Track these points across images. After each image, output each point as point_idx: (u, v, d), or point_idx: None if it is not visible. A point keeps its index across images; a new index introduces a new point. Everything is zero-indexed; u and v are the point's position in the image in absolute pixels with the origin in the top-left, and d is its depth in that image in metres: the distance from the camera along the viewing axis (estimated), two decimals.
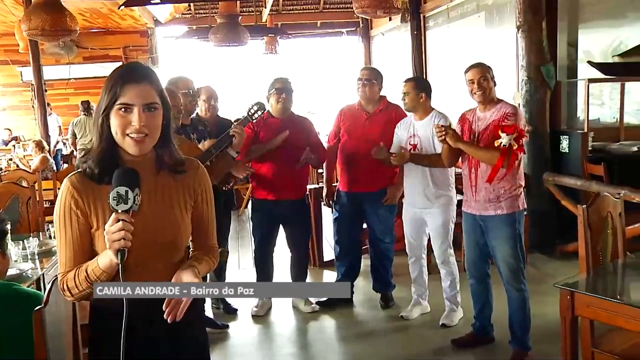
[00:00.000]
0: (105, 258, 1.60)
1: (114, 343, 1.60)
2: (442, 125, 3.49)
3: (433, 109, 4.08)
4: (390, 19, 9.95)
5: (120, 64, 11.09)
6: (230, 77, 12.85)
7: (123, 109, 1.63)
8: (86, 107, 9.52)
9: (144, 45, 11.16)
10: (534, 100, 5.69)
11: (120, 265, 1.56)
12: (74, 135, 9.33)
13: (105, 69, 10.54)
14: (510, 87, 6.19)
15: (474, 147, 3.44)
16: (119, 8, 6.67)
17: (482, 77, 3.44)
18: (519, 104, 5.84)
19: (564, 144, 5.72)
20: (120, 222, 1.54)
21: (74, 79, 10.89)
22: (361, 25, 11.98)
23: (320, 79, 14.65)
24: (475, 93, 3.46)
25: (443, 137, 3.44)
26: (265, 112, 4.28)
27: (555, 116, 5.85)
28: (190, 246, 1.93)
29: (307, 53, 14.13)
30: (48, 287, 1.88)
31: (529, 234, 5.44)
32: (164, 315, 1.65)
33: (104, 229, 1.58)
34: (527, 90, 5.71)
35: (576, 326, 2.55)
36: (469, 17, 7.31)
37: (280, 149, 4.20)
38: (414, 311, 4.33)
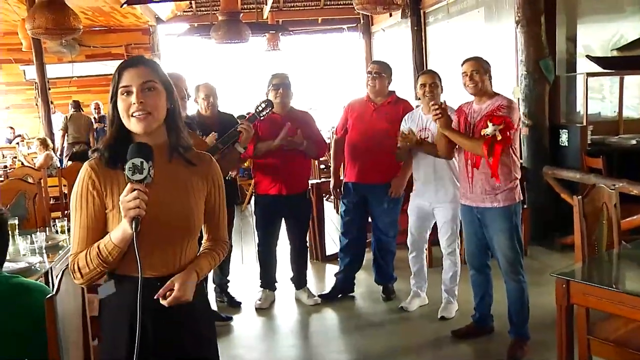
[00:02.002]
0: (118, 232, 1.68)
1: (122, 336, 1.71)
2: (440, 104, 3.54)
3: (443, 102, 4.13)
4: (390, 15, 9.99)
5: (121, 62, 11.31)
6: (232, 74, 12.90)
7: (125, 93, 1.74)
8: (76, 106, 9.88)
9: (145, 43, 11.21)
10: (533, 94, 5.75)
11: (134, 234, 1.62)
12: (66, 129, 9.56)
13: (108, 66, 10.60)
14: (510, 82, 6.24)
15: (459, 135, 3.50)
16: (121, 6, 6.73)
17: (475, 70, 3.49)
18: (518, 99, 5.89)
19: (563, 138, 5.78)
20: (136, 191, 1.62)
21: (77, 77, 10.95)
22: (362, 21, 12.03)
23: (321, 75, 14.69)
24: (467, 85, 3.52)
25: (438, 116, 3.50)
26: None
27: (555, 110, 5.91)
28: (203, 237, 2.02)
29: (309, 49, 14.17)
30: (58, 277, 1.94)
31: (529, 226, 5.51)
32: (155, 295, 1.74)
33: (119, 208, 1.65)
34: (526, 85, 5.76)
35: (572, 314, 2.61)
36: (469, 13, 7.35)
37: (282, 144, 4.25)
38: (414, 303, 4.39)
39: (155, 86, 1.77)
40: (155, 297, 1.74)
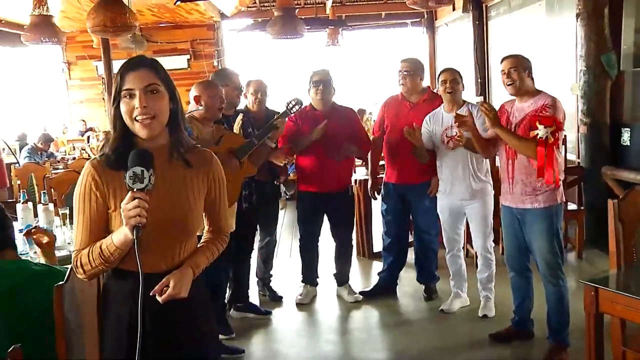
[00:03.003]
0: (120, 235, 1.71)
1: (122, 329, 1.78)
2: (486, 103, 3.49)
3: (465, 101, 4.07)
4: (453, 9, 9.79)
5: (187, 57, 11.37)
6: (294, 69, 12.98)
7: (127, 96, 1.76)
8: None
9: (210, 38, 11.42)
10: (593, 91, 5.49)
11: (135, 240, 1.66)
12: None
13: (172, 61, 10.90)
14: (570, 78, 5.98)
15: (511, 135, 3.39)
16: (174, 4, 6.89)
17: (513, 67, 3.38)
18: (576, 95, 5.66)
19: (625, 137, 5.49)
20: (136, 199, 1.65)
21: None
22: (425, 16, 11.82)
23: (385, 70, 14.56)
24: (506, 84, 3.41)
25: (486, 115, 3.41)
26: (308, 105, 4.38)
27: (617, 107, 5.62)
28: (204, 227, 2.06)
29: (372, 45, 14.07)
30: (69, 267, 2.02)
31: (584, 229, 5.30)
32: (151, 292, 1.77)
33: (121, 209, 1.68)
34: (586, 81, 5.51)
35: (601, 323, 2.49)
36: (530, 6, 7.10)
37: (323, 140, 4.25)
38: (454, 304, 4.31)
39: (159, 89, 1.78)
40: (150, 294, 1.76)
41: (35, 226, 2.22)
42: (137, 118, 1.76)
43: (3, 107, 11.21)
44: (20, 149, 9.05)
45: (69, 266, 1.95)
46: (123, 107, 1.77)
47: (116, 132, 1.81)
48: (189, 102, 3.52)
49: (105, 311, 1.91)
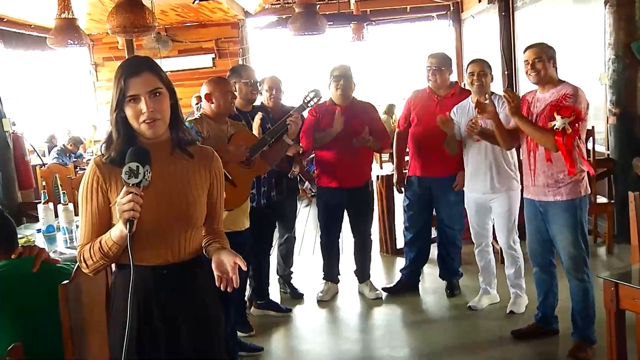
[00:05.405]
0: (117, 230, 1.75)
1: (124, 320, 1.74)
2: (510, 90, 3.38)
3: (493, 92, 3.96)
4: (479, 1, 9.62)
5: (212, 55, 11.40)
6: (320, 65, 12.93)
7: (132, 100, 1.79)
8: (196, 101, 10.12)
9: (235, 36, 11.40)
10: (622, 79, 5.30)
11: (128, 235, 1.69)
12: None
13: (198, 60, 10.93)
14: (598, 67, 5.81)
15: (530, 125, 3.30)
16: (193, 3, 6.90)
17: (537, 57, 3.28)
18: (605, 85, 5.49)
19: None
20: (130, 194, 1.68)
21: (169, 71, 11.36)
22: (451, 8, 11.65)
23: (412, 64, 14.42)
24: (529, 74, 3.31)
25: (510, 101, 3.31)
26: (328, 100, 4.33)
27: None
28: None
29: (398, 39, 13.95)
30: (75, 266, 2.02)
31: (614, 222, 5.14)
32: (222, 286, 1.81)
33: None
34: (615, 70, 5.33)
35: (623, 320, 2.39)
36: None
37: (342, 136, 4.19)
38: (483, 301, 4.21)
39: (161, 91, 1.83)
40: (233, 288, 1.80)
41: (23, 245, 2.24)
42: (143, 121, 1.80)
43: (32, 110, 11.42)
44: (49, 151, 9.21)
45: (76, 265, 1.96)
46: (129, 112, 1.81)
47: (120, 135, 1.84)
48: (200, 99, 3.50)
49: (114, 307, 1.93)
